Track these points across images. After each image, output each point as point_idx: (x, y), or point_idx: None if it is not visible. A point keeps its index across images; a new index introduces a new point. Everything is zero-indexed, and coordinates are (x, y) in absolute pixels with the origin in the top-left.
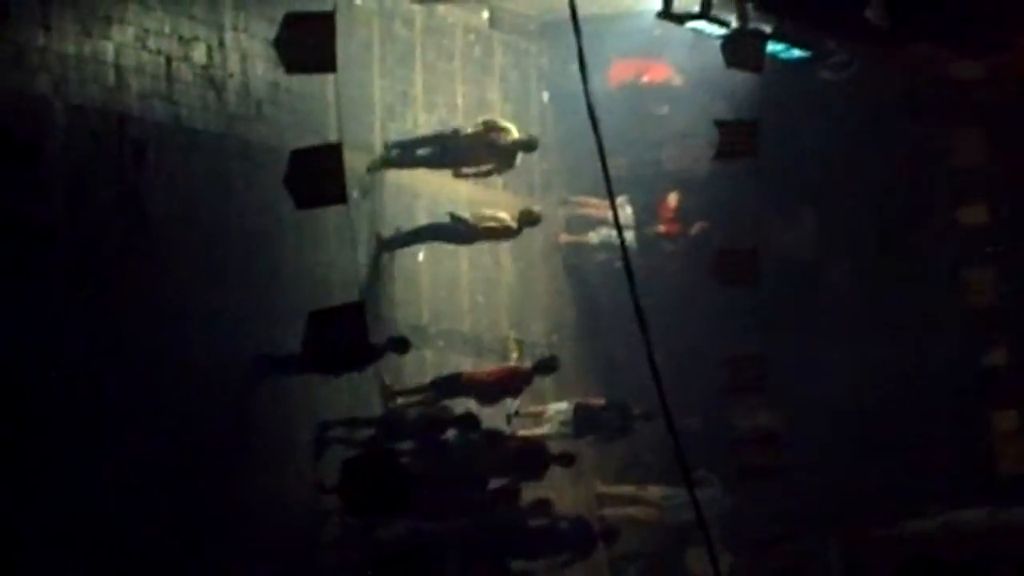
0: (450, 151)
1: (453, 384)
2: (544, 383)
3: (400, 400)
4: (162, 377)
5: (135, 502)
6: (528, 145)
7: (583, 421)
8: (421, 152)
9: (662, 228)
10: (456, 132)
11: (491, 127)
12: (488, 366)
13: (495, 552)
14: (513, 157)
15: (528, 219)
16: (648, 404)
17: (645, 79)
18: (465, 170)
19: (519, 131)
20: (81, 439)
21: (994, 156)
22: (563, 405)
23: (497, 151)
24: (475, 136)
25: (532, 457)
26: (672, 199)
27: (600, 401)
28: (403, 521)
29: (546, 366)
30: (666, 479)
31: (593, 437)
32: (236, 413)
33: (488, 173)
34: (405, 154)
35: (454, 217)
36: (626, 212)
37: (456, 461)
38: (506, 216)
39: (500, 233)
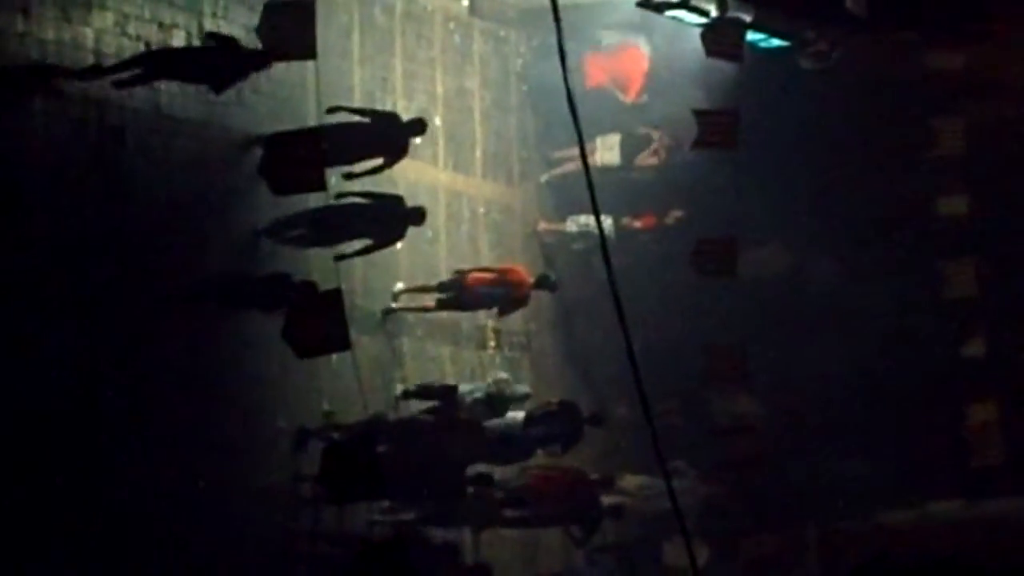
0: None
1: (456, 286)
2: (522, 370)
3: (402, 299)
4: (139, 362)
5: (107, 492)
6: (417, 128)
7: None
8: None
9: (639, 224)
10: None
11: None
12: (493, 269)
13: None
14: (405, 146)
15: (417, 217)
16: (626, 393)
17: (623, 97)
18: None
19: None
20: (56, 428)
21: (974, 146)
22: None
23: (383, 145)
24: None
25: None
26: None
27: (551, 404)
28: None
29: (546, 282)
30: (643, 468)
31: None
32: (213, 398)
33: (380, 169)
34: None
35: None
36: (614, 155)
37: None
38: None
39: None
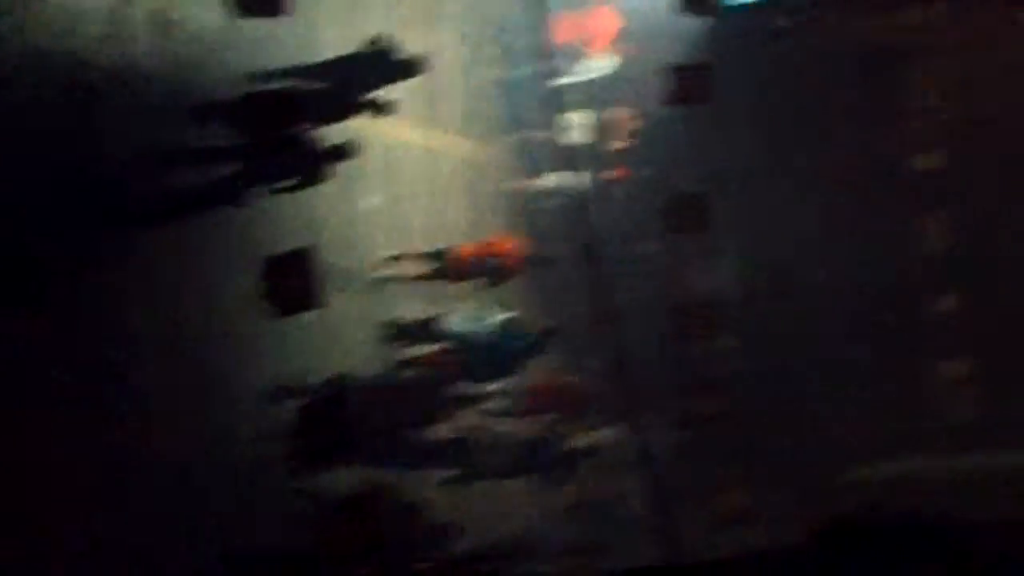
0: None
1: (445, 256)
2: None
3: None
4: (110, 318)
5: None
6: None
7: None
8: None
9: (615, 174)
10: None
11: None
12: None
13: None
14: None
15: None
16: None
17: (591, 49)
18: None
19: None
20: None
21: (950, 100)
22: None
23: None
24: None
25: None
26: (620, 114)
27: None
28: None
29: (541, 260)
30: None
31: None
32: (179, 358)
33: None
34: None
35: None
36: (584, 135)
37: None
38: None
39: None
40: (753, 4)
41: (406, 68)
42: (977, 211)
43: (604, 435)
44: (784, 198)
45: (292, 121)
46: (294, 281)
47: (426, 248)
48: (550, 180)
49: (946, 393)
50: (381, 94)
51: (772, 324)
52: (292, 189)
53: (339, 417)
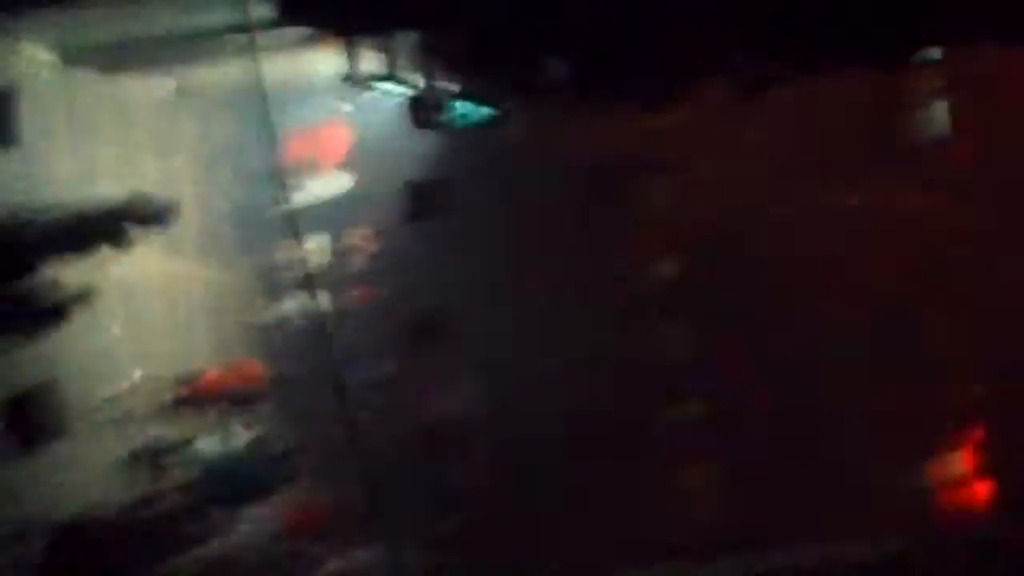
0: None
1: (189, 382)
2: None
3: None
4: None
5: None
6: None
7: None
8: None
9: (356, 294)
10: None
11: None
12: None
13: None
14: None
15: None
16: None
17: (323, 168)
18: None
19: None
20: None
21: (686, 210)
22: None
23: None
24: None
25: None
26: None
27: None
28: None
29: (287, 383)
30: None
31: None
32: None
33: None
34: None
35: None
36: (325, 257)
37: None
38: None
39: None
40: (486, 120)
41: (154, 218)
42: (716, 319)
43: (356, 557)
44: (526, 313)
45: (22, 265)
46: (32, 418)
47: (170, 375)
48: (290, 303)
49: (692, 499)
50: (118, 228)
51: (518, 440)
52: (28, 333)
53: (84, 553)
